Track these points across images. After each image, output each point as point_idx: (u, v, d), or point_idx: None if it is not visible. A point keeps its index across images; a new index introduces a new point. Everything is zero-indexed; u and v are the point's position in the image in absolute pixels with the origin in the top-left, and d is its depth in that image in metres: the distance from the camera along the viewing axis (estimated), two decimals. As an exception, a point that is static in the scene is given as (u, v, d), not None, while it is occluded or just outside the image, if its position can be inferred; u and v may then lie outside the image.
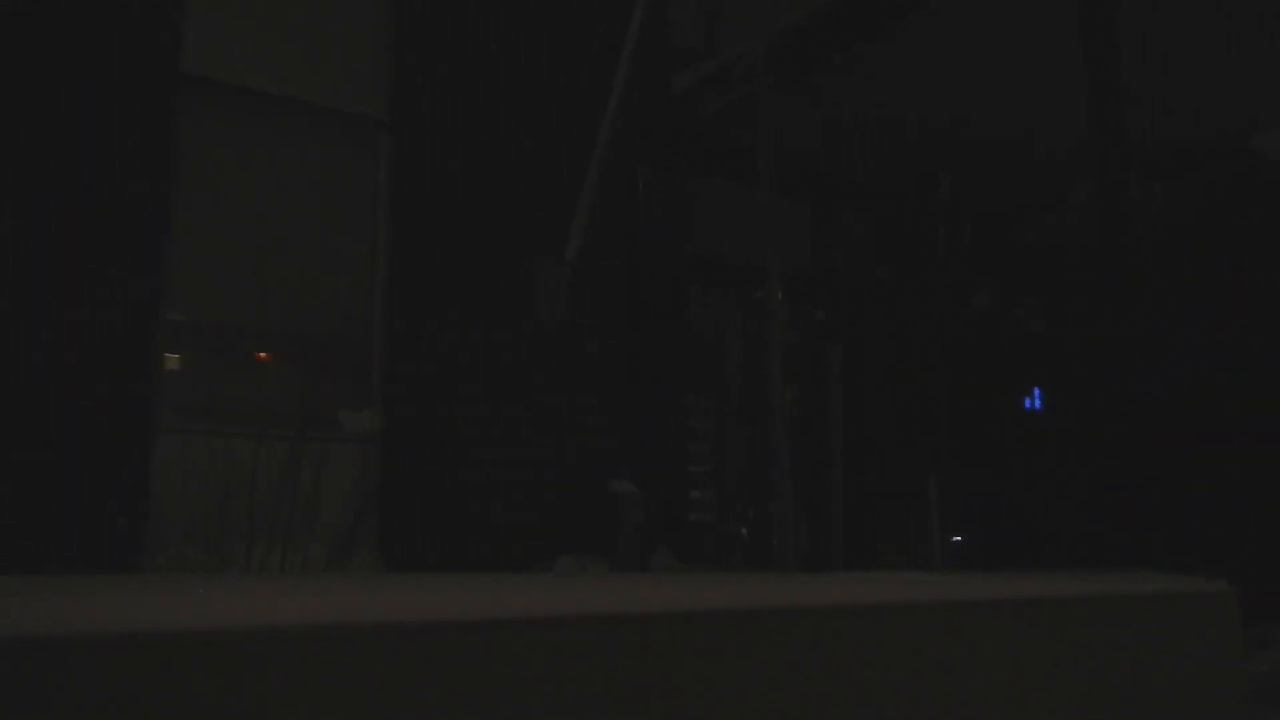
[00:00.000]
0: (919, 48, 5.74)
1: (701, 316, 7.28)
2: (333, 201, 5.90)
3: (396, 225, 5.87)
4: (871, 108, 6.60)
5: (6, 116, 4.74)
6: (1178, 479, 3.84)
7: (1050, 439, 8.03)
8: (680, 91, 6.79)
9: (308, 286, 5.72)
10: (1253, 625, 3.83)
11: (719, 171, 7.22)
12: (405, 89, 5.99)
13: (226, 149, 5.59)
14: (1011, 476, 7.32)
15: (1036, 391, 8.37)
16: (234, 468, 5.02)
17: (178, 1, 5.28)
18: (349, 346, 5.82)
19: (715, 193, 7.25)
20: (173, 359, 5.27)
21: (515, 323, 6.02)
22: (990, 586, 2.90)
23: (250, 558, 4.64)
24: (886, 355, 8.11)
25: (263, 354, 5.72)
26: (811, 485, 7.16)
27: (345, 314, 5.83)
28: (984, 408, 8.11)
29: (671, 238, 6.88)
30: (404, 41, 6.03)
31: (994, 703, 2.52)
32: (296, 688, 1.49)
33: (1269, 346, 7.03)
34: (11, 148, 4.74)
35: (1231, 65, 5.89)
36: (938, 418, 8.39)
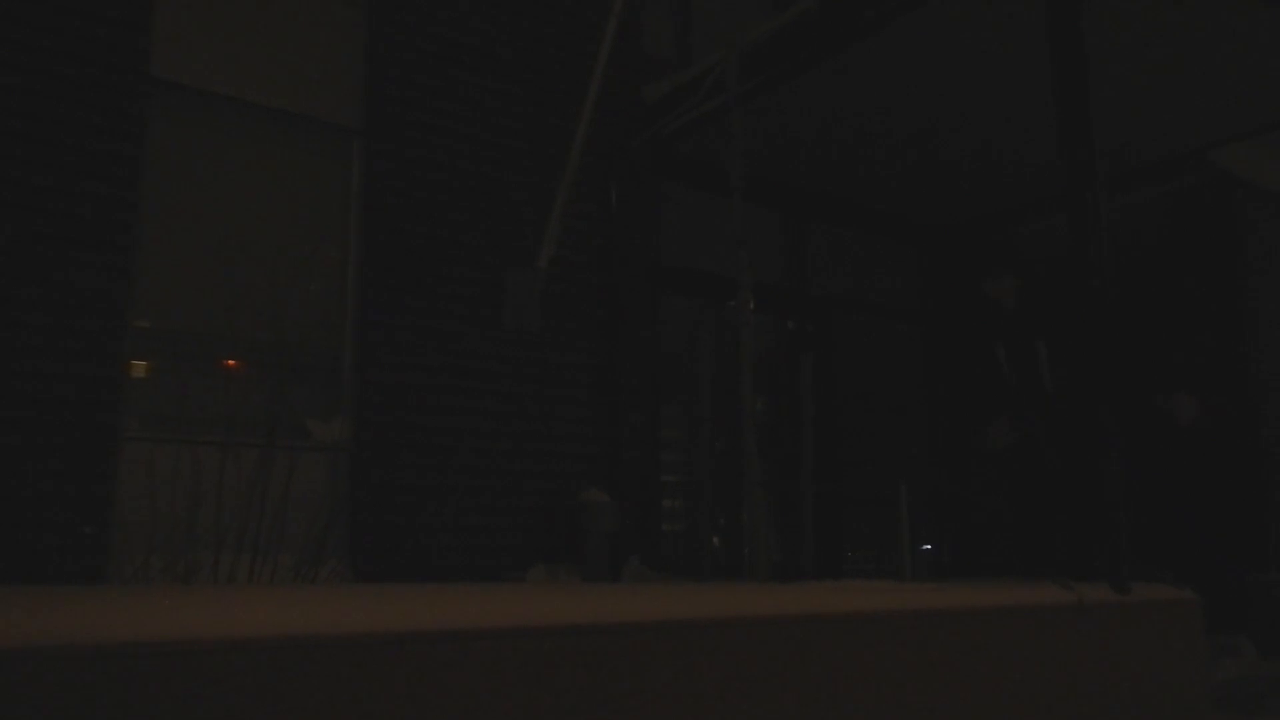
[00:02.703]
0: (893, 58, 5.80)
1: (674, 326, 7.29)
2: (304, 208, 5.86)
3: (368, 232, 5.84)
4: (844, 117, 6.65)
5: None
6: (1139, 488, 3.87)
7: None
8: (653, 101, 6.82)
9: (277, 293, 5.67)
10: (1215, 633, 3.88)
11: (691, 181, 7.24)
12: (378, 96, 5.97)
13: (197, 154, 5.54)
14: (981, 484, 7.38)
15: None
16: (201, 476, 4.97)
17: (148, 4, 5.23)
18: (319, 354, 5.78)
19: (687, 202, 7.28)
20: (139, 366, 5.21)
21: (487, 331, 6.00)
22: (959, 595, 2.92)
23: (218, 567, 4.59)
24: (857, 363, 8.16)
25: (231, 361, 5.67)
26: (783, 494, 7.19)
27: (315, 321, 5.79)
28: (956, 415, 8.18)
29: (644, 247, 6.90)
30: (377, 48, 6.01)
31: (962, 711, 2.54)
32: (262, 698, 1.48)
33: (1227, 359, 7.14)
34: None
35: (1193, 80, 5.99)
36: (910, 425, 8.45)
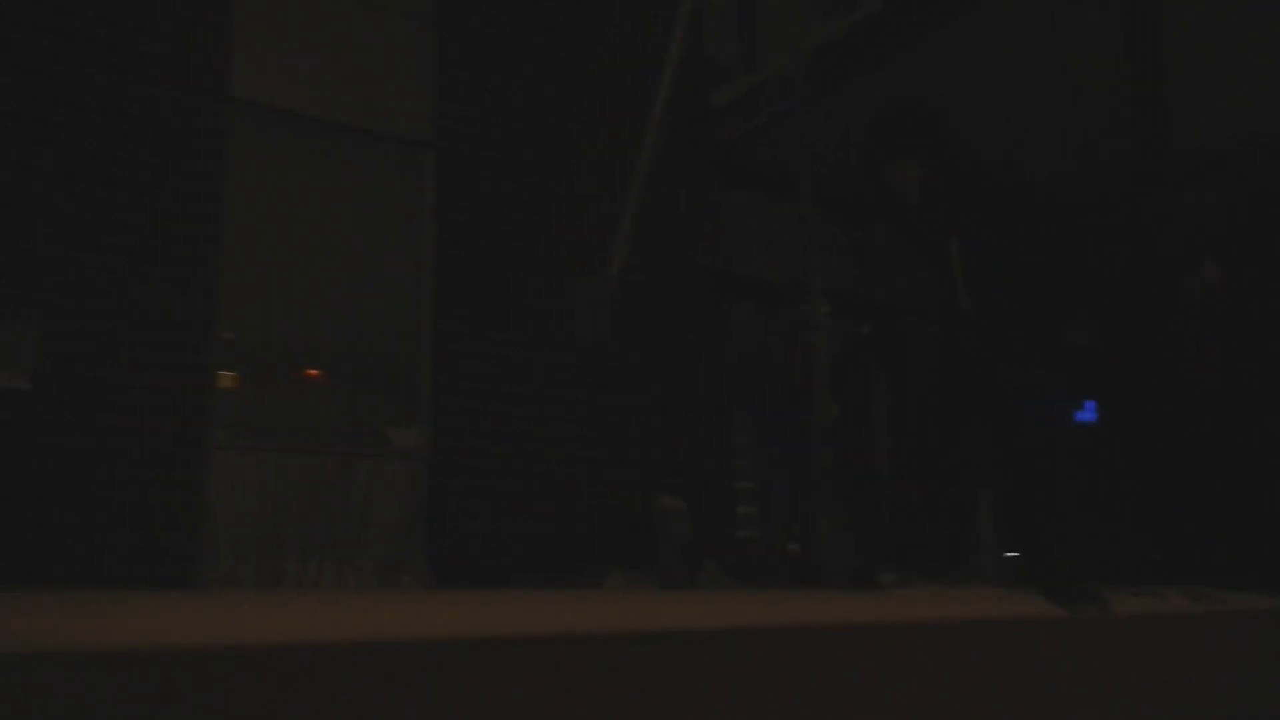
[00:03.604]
0: (957, 57, 5.71)
1: (743, 332, 7.26)
2: (380, 221, 5.99)
3: (441, 243, 5.94)
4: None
5: (62, 141, 4.88)
6: (1227, 496, 3.74)
7: (1104, 453, 7.88)
8: (719, 106, 6.81)
9: (356, 305, 5.81)
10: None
11: (759, 187, 7.21)
12: (447, 110, 6.07)
13: (276, 170, 5.70)
14: (1065, 491, 7.18)
15: (1090, 405, 8.22)
16: (286, 484, 5.11)
17: (228, 27, 5.40)
18: (397, 364, 5.89)
19: (752, 207, 7.25)
20: (226, 377, 5.37)
21: (559, 339, 6.05)
22: (1044, 605, 2.85)
23: (302, 573, 4.70)
24: (932, 368, 8.03)
25: (313, 371, 5.81)
26: (858, 499, 7.10)
27: (393, 331, 5.90)
28: (1033, 419, 7.97)
29: (711, 253, 6.89)
30: (448, 64, 6.12)
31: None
32: (341, 701, 1.51)
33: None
34: (67, 172, 4.87)
35: (1273, 66, 5.78)
36: (988, 431, 8.26)
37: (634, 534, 6.07)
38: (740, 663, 1.92)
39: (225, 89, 5.36)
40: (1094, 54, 5.47)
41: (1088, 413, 8.29)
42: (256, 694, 1.45)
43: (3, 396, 4.57)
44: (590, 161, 6.45)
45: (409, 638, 1.65)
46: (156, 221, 5.05)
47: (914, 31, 5.41)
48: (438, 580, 5.43)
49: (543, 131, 6.32)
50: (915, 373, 7.81)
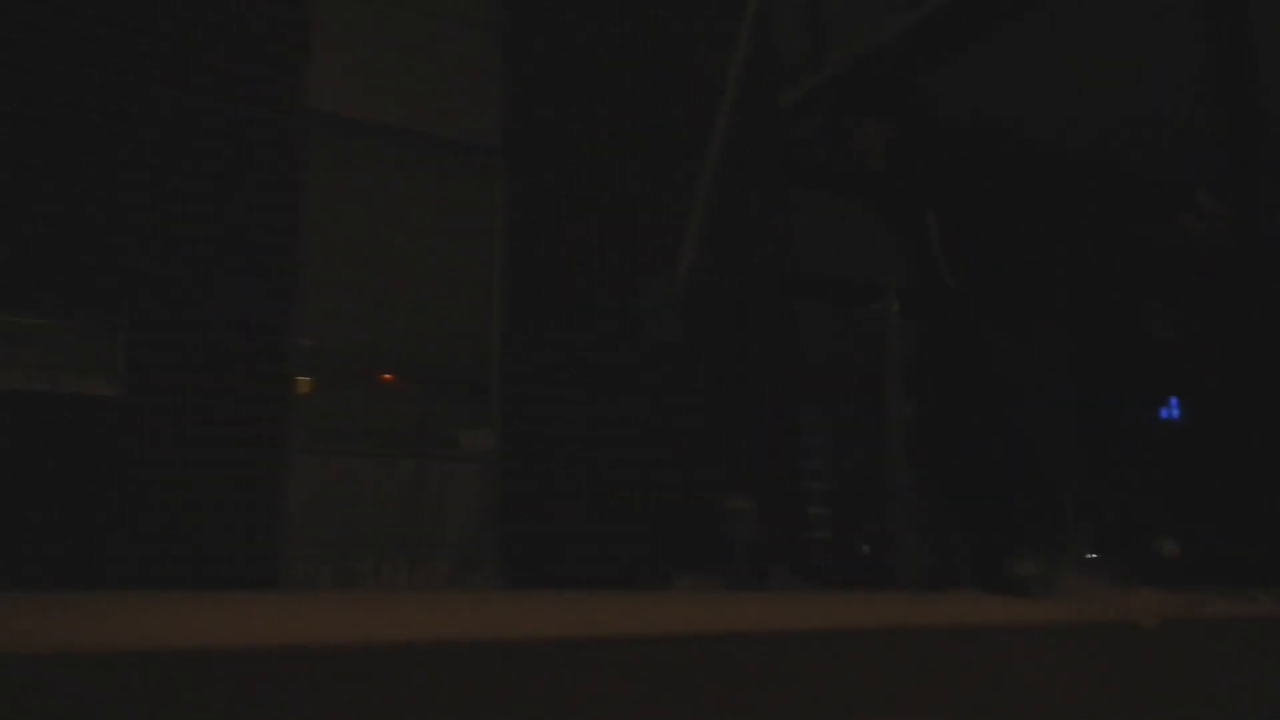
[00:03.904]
0: (1024, 51, 5.58)
1: (814, 331, 7.20)
2: (452, 227, 6.08)
3: (511, 248, 6.01)
4: (980, 115, 6.43)
5: (148, 157, 5.06)
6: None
7: (1189, 450, 7.64)
8: (786, 105, 6.76)
9: (429, 309, 5.91)
10: None
11: (828, 186, 7.15)
12: (517, 117, 6.14)
13: (351, 179, 5.83)
14: (1147, 490, 6.99)
15: (1174, 401, 7.98)
16: (362, 487, 5.22)
17: (305, 43, 5.54)
18: (468, 367, 5.98)
19: (821, 206, 7.19)
20: (304, 383, 5.50)
21: (628, 341, 6.08)
22: (1128, 605, 2.78)
23: (379, 574, 4.80)
24: (1008, 366, 7.86)
25: (387, 376, 5.92)
26: (933, 499, 6.99)
27: (464, 336, 5.99)
28: (1116, 418, 7.77)
29: (779, 252, 6.85)
30: (517, 70, 6.19)
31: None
32: (420, 698, 1.54)
33: None
34: (154, 186, 5.04)
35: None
36: (1067, 430, 8.07)
37: (704, 535, 6.06)
38: (810, 664, 1.91)
39: (303, 102, 5.50)
40: (1172, 31, 5.31)
41: (1171, 409, 8.04)
42: (344, 691, 1.48)
43: (92, 403, 4.75)
44: (658, 163, 6.46)
45: (481, 637, 1.68)
46: (238, 232, 5.20)
47: (985, 23, 5.30)
48: (509, 581, 5.50)
49: (610, 134, 6.36)
50: (994, 372, 7.66)
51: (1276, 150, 4.00)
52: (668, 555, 5.95)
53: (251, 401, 5.10)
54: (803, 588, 5.96)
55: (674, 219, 6.18)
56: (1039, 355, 3.34)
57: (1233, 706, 2.67)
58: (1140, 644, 2.59)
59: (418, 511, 5.32)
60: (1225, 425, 4.50)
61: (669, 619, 2.18)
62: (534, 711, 1.62)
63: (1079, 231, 3.43)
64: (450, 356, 5.97)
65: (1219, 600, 3.06)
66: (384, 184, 5.92)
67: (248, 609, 2.42)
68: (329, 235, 5.60)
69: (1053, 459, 3.49)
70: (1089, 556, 7.52)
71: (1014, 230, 3.26)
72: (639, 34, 6.60)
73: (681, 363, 6.27)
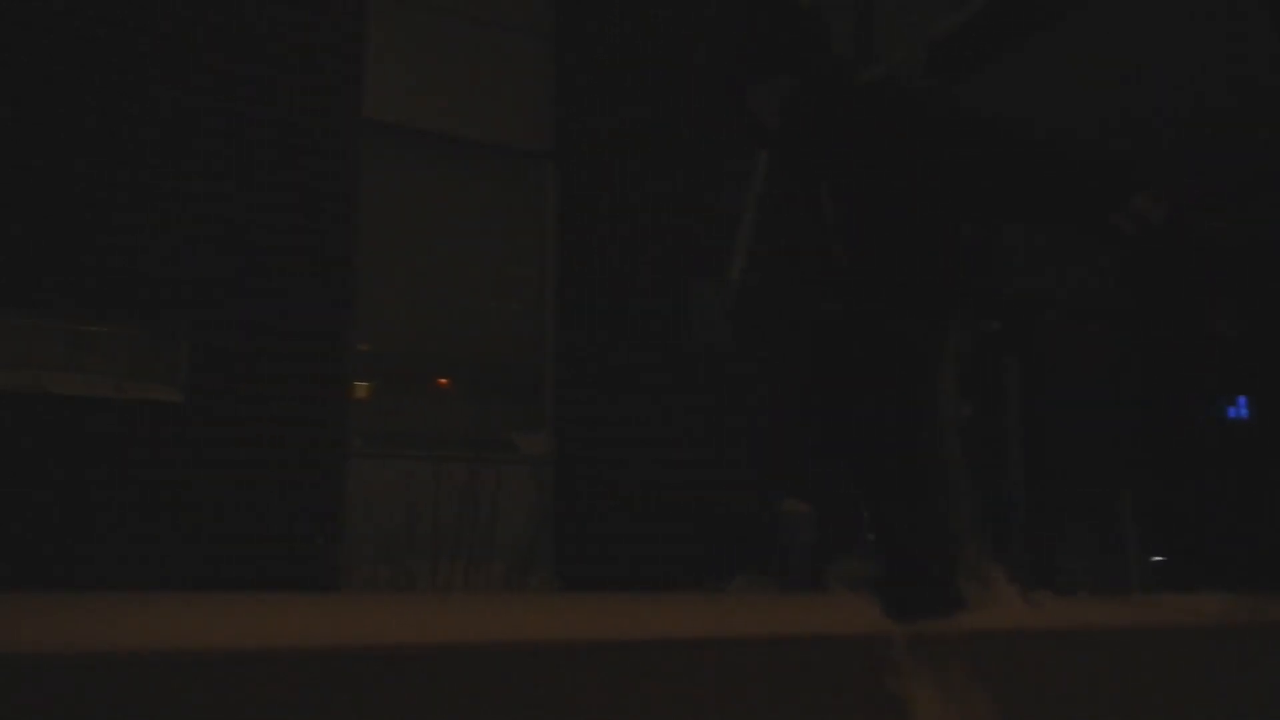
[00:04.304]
0: (1081, 47, 5.48)
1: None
2: (505, 232, 6.14)
3: (563, 252, 6.06)
4: (1034, 112, 6.34)
5: (210, 167, 5.18)
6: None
7: (1260, 450, 7.45)
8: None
9: (483, 314, 5.98)
10: None
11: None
12: (567, 121, 6.19)
13: (406, 187, 5.91)
14: (1215, 491, 6.81)
15: (1242, 400, 7.79)
16: (418, 489, 5.28)
17: (359, 53, 5.64)
18: (521, 371, 6.03)
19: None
20: (362, 387, 5.59)
21: (680, 344, 6.08)
22: (1196, 609, 2.72)
23: (435, 576, 4.85)
24: (1061, 365, 7.73)
25: (443, 380, 5.99)
26: (990, 502, 6.89)
27: (518, 339, 6.05)
28: (1181, 417, 7.61)
29: (833, 253, 6.78)
30: (566, 76, 6.23)
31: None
32: (475, 700, 1.56)
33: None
34: (214, 195, 5.16)
35: None
36: (1130, 429, 7.92)
37: (758, 537, 6.04)
38: (859, 667, 1.90)
39: (358, 111, 5.59)
40: (1234, 30, 5.19)
41: (1240, 408, 7.85)
42: (403, 691, 1.51)
43: (157, 408, 4.87)
44: (708, 165, 6.46)
45: (541, 640, 1.69)
46: (296, 239, 5.30)
47: (1036, 22, 5.22)
48: (564, 584, 5.53)
49: (660, 137, 6.37)
50: (1051, 369, 7.54)
51: None
52: (723, 558, 5.95)
53: (310, 405, 5.20)
54: (858, 590, 5.90)
55: (724, 222, 6.18)
56: (944, 341, 3.01)
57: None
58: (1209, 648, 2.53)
59: (473, 514, 5.37)
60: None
61: (720, 622, 2.19)
62: (577, 712, 1.64)
63: (1009, 215, 3.15)
64: (504, 360, 6.03)
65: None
66: (438, 190, 5.99)
67: (309, 611, 2.47)
68: (385, 242, 5.69)
69: (937, 459, 3.08)
70: (1155, 559, 7.37)
71: (925, 208, 2.89)
72: (688, 34, 6.60)
73: (733, 364, 6.26)
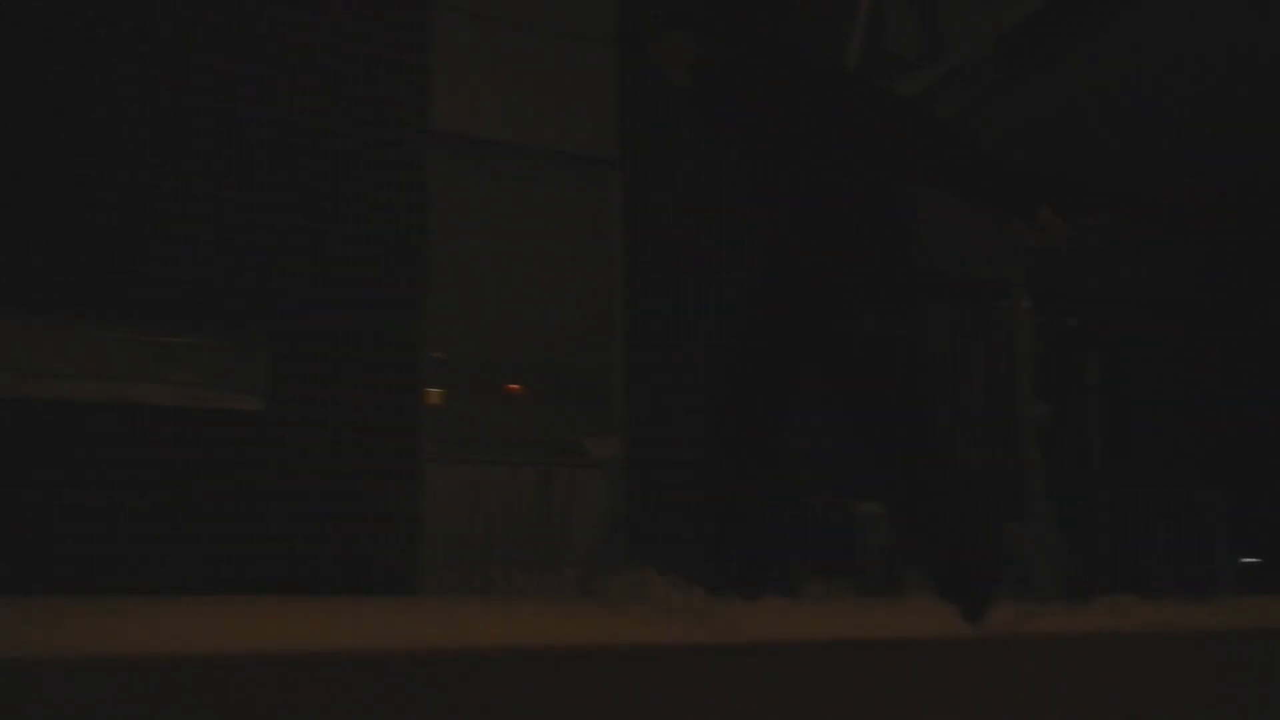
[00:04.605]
0: (1151, 36, 5.32)
1: (945, 330, 7.02)
2: (572, 239, 6.19)
3: (630, 257, 6.08)
4: (1105, 103, 6.17)
5: (286, 180, 5.32)
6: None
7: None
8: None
9: (552, 320, 6.03)
10: None
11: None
12: (631, 127, 6.21)
13: (474, 196, 5.99)
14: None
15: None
16: (491, 495, 5.35)
17: (423, 65, 5.74)
18: (591, 375, 6.06)
19: (949, 202, 7.00)
20: (434, 394, 5.67)
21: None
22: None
23: (508, 581, 4.90)
24: (1151, 361, 7.52)
25: (514, 386, 6.05)
26: (1072, 504, 6.73)
27: (587, 345, 6.08)
28: (1271, 413, 7.34)
29: (904, 250, 6.70)
30: (630, 82, 6.25)
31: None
32: (557, 703, 1.58)
33: None
34: (291, 208, 5.30)
35: None
36: (1218, 426, 7.68)
37: (832, 540, 5.98)
38: (944, 672, 1.87)
39: (426, 123, 5.69)
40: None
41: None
42: (484, 693, 1.53)
43: (239, 417, 5.01)
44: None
45: (623, 644, 1.70)
46: (368, 250, 5.41)
47: (1107, 12, 5.08)
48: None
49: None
50: (1133, 366, 7.34)
51: None
52: (796, 561, 5.90)
53: (384, 413, 5.30)
54: (934, 593, 5.81)
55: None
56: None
57: None
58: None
59: (546, 519, 5.42)
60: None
61: (798, 626, 2.17)
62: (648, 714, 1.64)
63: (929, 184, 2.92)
64: (574, 364, 6.08)
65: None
66: (505, 198, 6.06)
67: (385, 616, 2.51)
68: (455, 250, 5.78)
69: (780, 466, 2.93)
70: (1245, 560, 7.12)
71: (843, 180, 2.73)
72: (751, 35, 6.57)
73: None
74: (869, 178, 2.78)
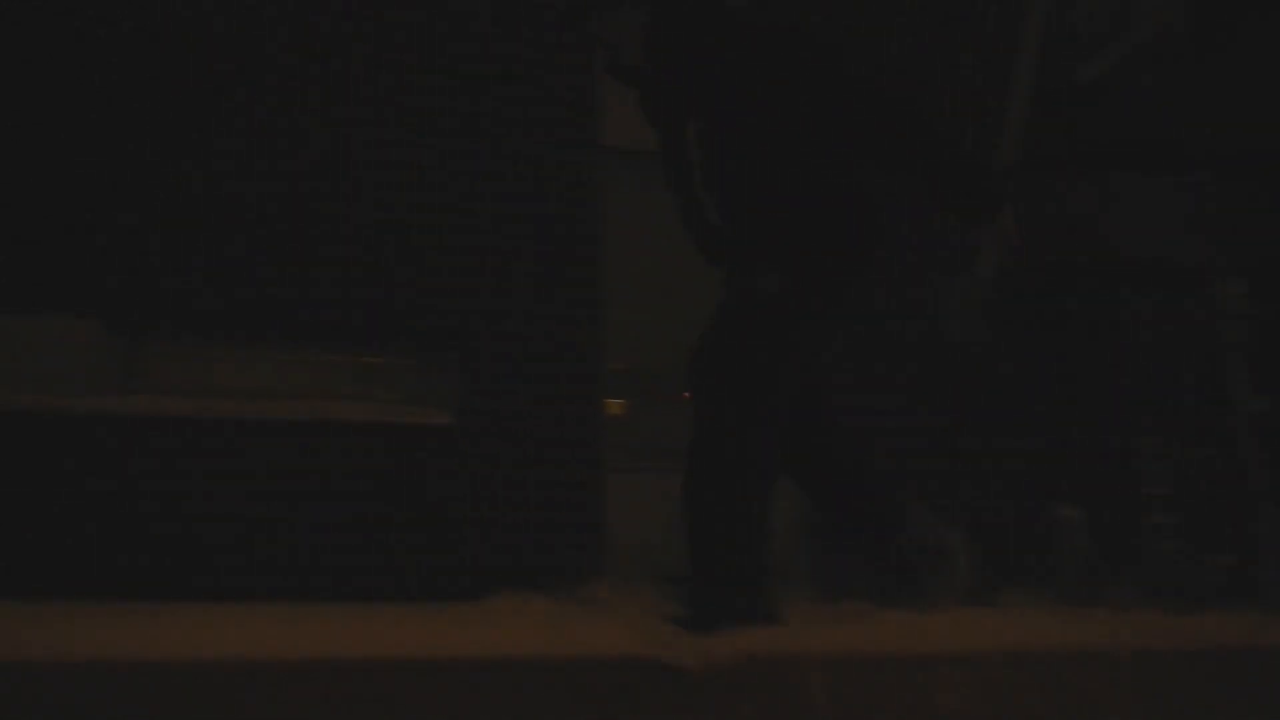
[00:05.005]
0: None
1: (1148, 320, 6.59)
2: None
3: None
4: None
5: (456, 201, 5.55)
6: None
7: None
8: (1086, 82, 6.28)
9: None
10: None
11: (1134, 161, 6.54)
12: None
13: (645, 207, 6.06)
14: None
15: None
16: (674, 503, 5.37)
17: (592, 81, 5.86)
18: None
19: (1145, 183, 6.58)
20: (615, 404, 5.77)
21: (932, 345, 5.86)
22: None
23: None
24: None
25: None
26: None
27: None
28: None
29: (1089, 237, 6.34)
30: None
31: None
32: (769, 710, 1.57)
33: None
34: (464, 228, 5.52)
35: None
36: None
37: (1028, 547, 5.71)
38: (1150, 687, 1.75)
39: (598, 139, 5.81)
40: None
41: None
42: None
43: (430, 431, 5.24)
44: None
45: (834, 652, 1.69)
46: (546, 267, 5.57)
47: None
48: (822, 597, 5.43)
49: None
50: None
51: None
52: (991, 569, 5.66)
53: (569, 423, 5.43)
54: (1143, 604, 5.45)
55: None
56: (836, 315, 2.71)
57: None
58: None
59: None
60: None
61: (994, 636, 2.09)
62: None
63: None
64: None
65: None
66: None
67: (581, 622, 2.57)
68: (631, 262, 5.87)
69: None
70: None
71: (803, 155, 2.56)
72: (932, 15, 6.38)
73: (993, 362, 5.96)
74: (790, 142, 2.58)
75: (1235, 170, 6.48)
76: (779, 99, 2.55)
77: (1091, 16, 6.77)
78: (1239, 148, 6.49)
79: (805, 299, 2.59)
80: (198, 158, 5.21)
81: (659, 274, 5.97)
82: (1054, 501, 5.77)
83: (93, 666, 1.59)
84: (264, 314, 5.16)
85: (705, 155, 2.69)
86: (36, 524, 4.66)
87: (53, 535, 4.67)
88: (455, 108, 5.64)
